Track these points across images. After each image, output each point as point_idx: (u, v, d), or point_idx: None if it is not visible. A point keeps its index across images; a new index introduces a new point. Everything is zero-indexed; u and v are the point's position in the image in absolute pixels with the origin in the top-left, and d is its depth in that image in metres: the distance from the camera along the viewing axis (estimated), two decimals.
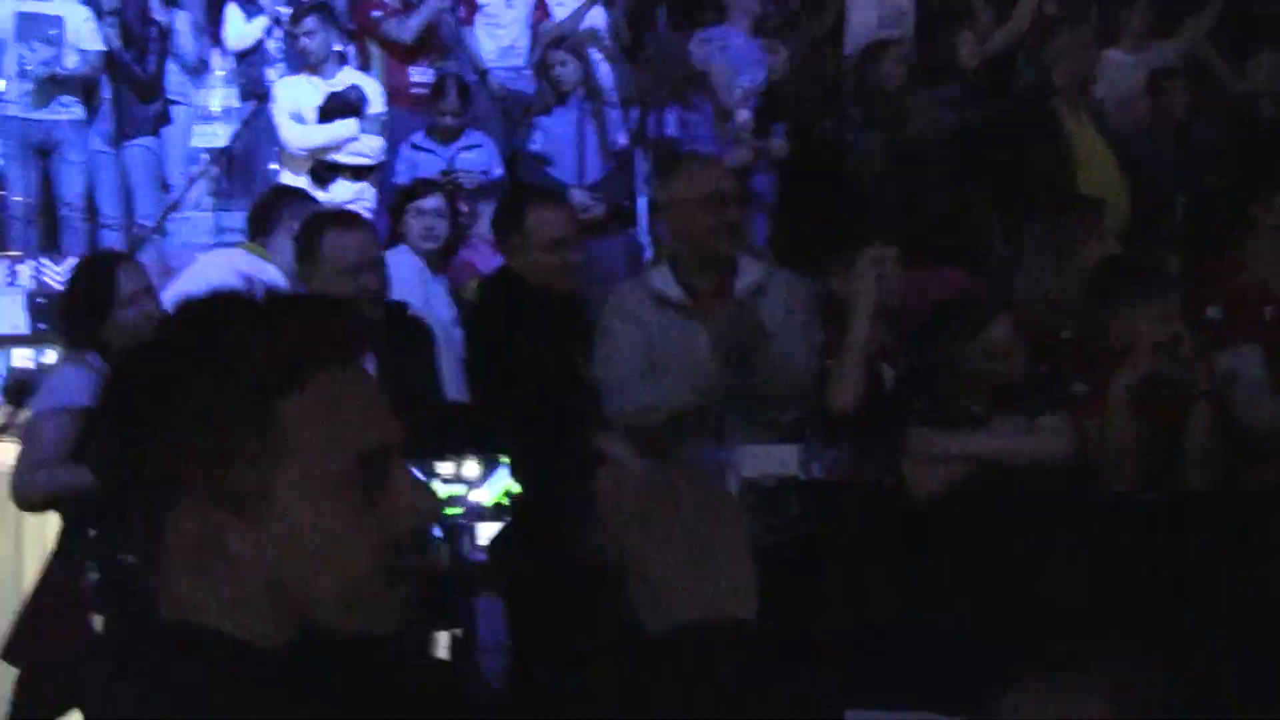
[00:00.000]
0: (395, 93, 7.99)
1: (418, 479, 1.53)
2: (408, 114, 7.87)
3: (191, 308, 1.49)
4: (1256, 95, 7.49)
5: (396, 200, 6.52)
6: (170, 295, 5.57)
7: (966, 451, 4.32)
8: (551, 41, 7.81)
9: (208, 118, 8.48)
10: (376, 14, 8.17)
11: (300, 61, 7.68)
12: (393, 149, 7.64)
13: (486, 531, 4.56)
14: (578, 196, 7.23)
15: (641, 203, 7.74)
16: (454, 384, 5.07)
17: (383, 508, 1.45)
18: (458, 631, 4.53)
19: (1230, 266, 4.85)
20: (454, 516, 4.54)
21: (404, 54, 8.17)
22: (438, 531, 4.45)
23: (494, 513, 4.61)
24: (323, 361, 1.44)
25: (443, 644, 4.49)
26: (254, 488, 1.40)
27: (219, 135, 8.30)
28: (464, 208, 6.80)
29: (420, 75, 8.13)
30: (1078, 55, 7.11)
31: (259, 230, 5.48)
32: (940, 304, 4.74)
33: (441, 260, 6.30)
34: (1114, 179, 6.86)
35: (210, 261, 5.77)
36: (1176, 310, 4.48)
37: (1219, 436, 4.40)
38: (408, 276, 5.57)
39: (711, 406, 4.33)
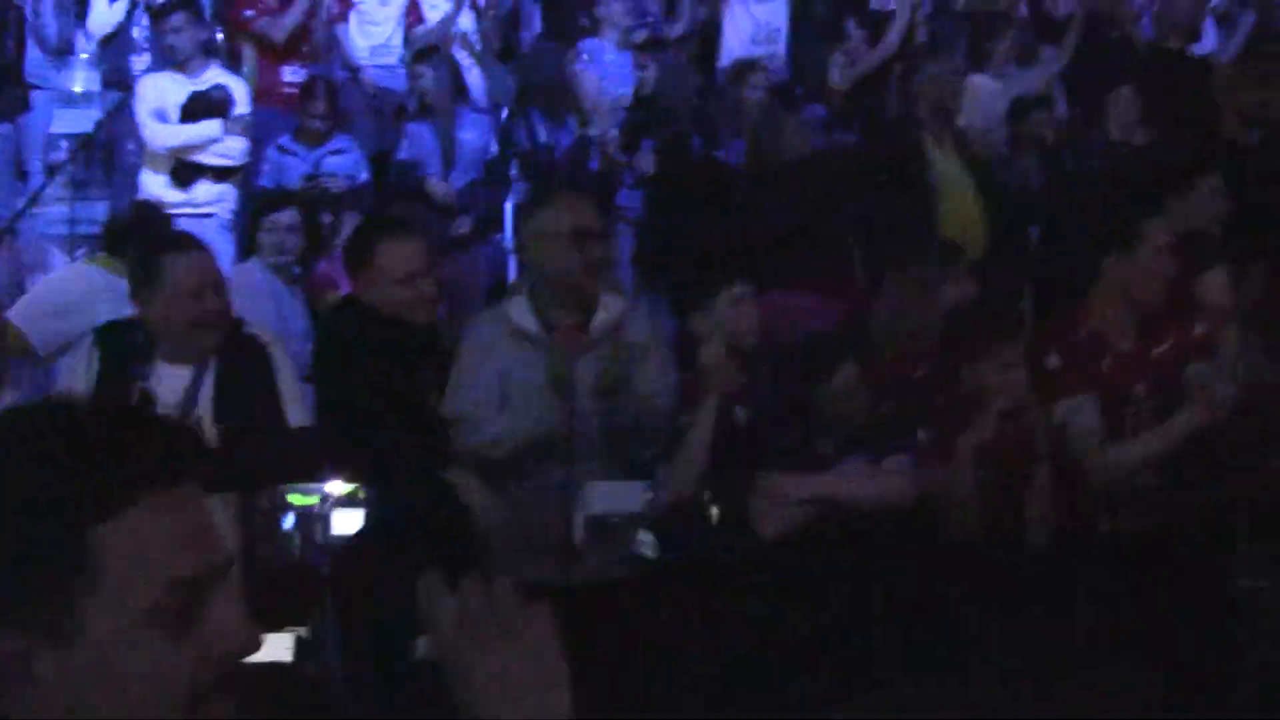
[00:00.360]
0: (265, 92, 7.91)
1: (240, 607, 1.52)
2: (277, 115, 7.78)
3: (14, 423, 1.47)
4: (1112, 134, 7.63)
5: (251, 212, 6.45)
6: (24, 308, 5.47)
7: (810, 494, 4.38)
8: (415, 56, 7.78)
9: (70, 102, 8.32)
10: (249, 13, 8.08)
11: (166, 58, 7.55)
12: (263, 149, 7.56)
13: (341, 521, 4.52)
14: (438, 188, 7.22)
15: (509, 207, 7.74)
16: (304, 401, 5.02)
17: (200, 636, 1.44)
18: (303, 632, 4.49)
19: (1074, 315, 4.95)
20: (308, 506, 4.50)
21: (276, 53, 8.08)
22: (292, 520, 4.42)
23: (349, 501, 4.57)
24: (144, 487, 1.42)
25: (287, 645, 4.45)
26: (63, 614, 1.39)
27: (81, 120, 8.14)
28: (327, 218, 6.72)
29: (292, 76, 8.05)
30: (943, 84, 7.21)
31: (118, 245, 5.38)
32: (790, 344, 4.80)
33: (300, 271, 6.23)
34: (974, 208, 6.97)
35: (66, 275, 5.67)
36: (1021, 360, 4.58)
37: (1061, 488, 4.52)
38: (259, 291, 5.54)
39: (562, 442, 4.34)
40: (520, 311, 4.50)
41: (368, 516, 4.42)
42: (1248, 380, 4.90)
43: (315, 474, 4.49)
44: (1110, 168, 7.34)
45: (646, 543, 4.37)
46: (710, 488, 4.42)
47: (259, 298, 5.46)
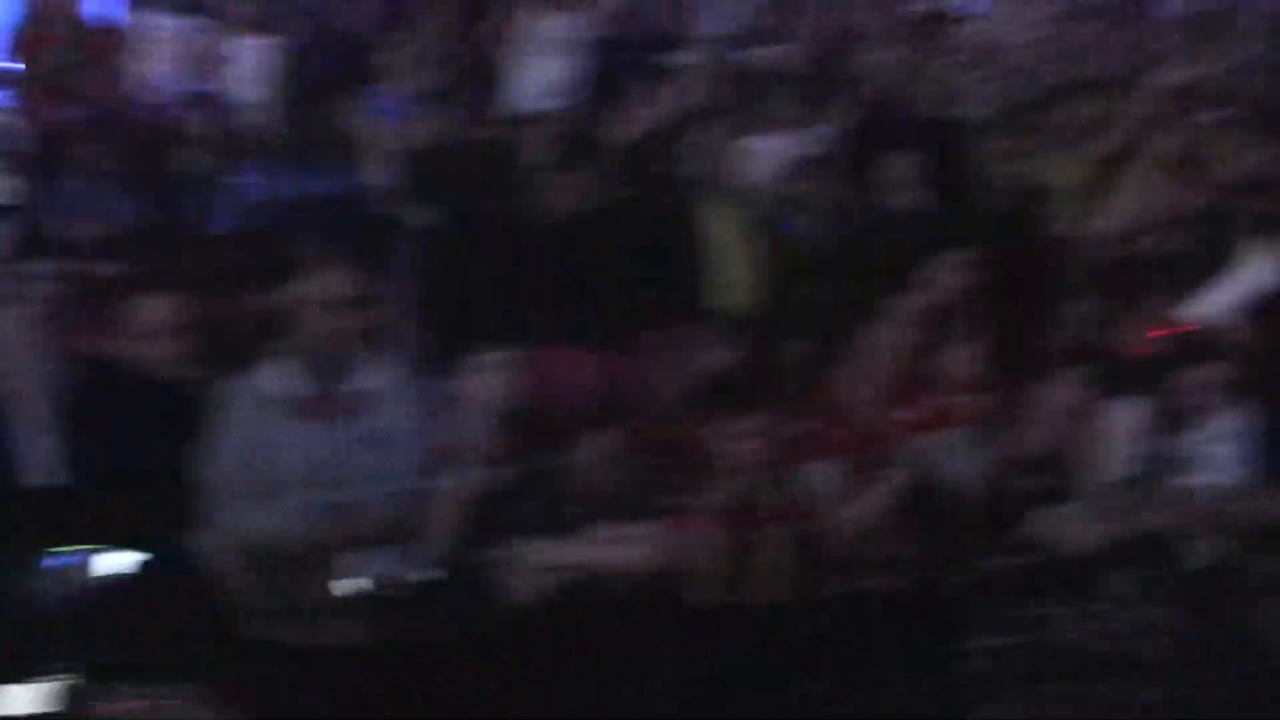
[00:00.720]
0: (45, 130, 7.76)
1: None
2: (59, 154, 7.63)
3: None
4: (887, 199, 7.81)
5: (4, 260, 6.29)
6: None
7: (559, 560, 4.45)
8: (191, 99, 7.73)
9: None
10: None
11: None
12: (47, 189, 7.39)
13: (105, 563, 4.46)
14: None
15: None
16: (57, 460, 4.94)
17: None
18: (60, 681, 4.41)
19: (825, 383, 5.13)
20: (70, 552, 4.44)
21: (50, 90, 7.94)
22: (51, 564, 4.35)
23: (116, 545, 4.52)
24: None
25: (41, 695, 4.37)
26: None
27: None
28: (93, 267, 6.54)
29: (72, 114, 7.90)
30: (717, 146, 7.34)
31: None
32: (550, 408, 4.88)
33: (59, 321, 6.05)
34: (746, 269, 7.11)
35: None
36: (762, 429, 4.71)
37: (800, 549, 4.67)
38: (12, 342, 5.42)
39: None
40: (272, 377, 4.49)
41: (126, 567, 4.39)
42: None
43: (67, 536, 4.43)
44: (879, 233, 7.53)
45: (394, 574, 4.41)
46: (464, 554, 4.47)
47: (13, 349, 5.34)
